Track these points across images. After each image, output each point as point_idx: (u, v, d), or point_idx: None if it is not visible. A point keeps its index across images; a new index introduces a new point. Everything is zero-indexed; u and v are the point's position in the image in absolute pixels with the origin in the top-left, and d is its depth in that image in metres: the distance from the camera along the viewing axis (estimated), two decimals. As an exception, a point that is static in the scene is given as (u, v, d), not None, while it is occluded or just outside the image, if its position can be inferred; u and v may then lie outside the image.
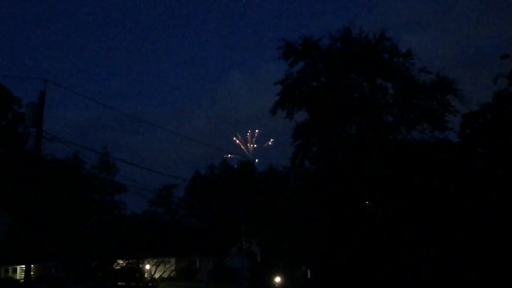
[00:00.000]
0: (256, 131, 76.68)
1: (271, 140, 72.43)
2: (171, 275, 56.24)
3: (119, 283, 51.18)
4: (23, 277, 37.89)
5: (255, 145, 70.75)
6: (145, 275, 55.66)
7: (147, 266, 56.22)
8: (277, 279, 52.58)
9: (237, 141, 72.77)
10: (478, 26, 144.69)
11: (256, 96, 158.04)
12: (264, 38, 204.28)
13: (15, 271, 54.74)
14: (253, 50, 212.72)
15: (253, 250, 62.08)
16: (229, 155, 70.56)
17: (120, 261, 52.80)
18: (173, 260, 61.47)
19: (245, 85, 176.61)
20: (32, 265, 32.14)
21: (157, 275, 53.64)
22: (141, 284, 51.42)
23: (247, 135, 75.99)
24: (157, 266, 54.31)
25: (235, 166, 79.45)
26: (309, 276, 49.29)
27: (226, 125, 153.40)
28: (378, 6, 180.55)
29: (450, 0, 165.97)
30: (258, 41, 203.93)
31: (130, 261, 52.39)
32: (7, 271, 54.68)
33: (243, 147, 69.54)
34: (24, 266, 32.29)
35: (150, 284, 52.18)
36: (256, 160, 74.92)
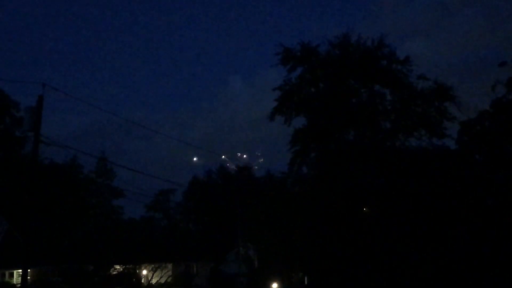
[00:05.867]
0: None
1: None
2: (168, 280, 56.11)
3: (115, 288, 51.07)
4: (19, 282, 37.74)
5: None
6: (142, 280, 55.52)
7: (144, 271, 56.10)
8: (274, 285, 52.49)
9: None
10: (479, 34, 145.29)
11: (256, 102, 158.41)
12: (264, 43, 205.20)
13: (12, 275, 54.54)
14: (253, 55, 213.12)
15: (250, 256, 61.95)
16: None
17: (117, 266, 52.68)
18: (170, 266, 61.28)
19: (245, 91, 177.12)
20: (29, 270, 32.09)
21: (154, 281, 53.54)
22: (137, 289, 51.36)
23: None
24: (154, 271, 54.19)
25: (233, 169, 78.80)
26: (306, 282, 49.25)
27: (225, 130, 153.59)
28: (379, 14, 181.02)
29: (451, 8, 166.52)
30: (258, 46, 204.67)
31: (127, 266, 52.27)
32: (3, 275, 54.48)
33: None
34: (20, 270, 32.17)
35: (146, 289, 52.13)
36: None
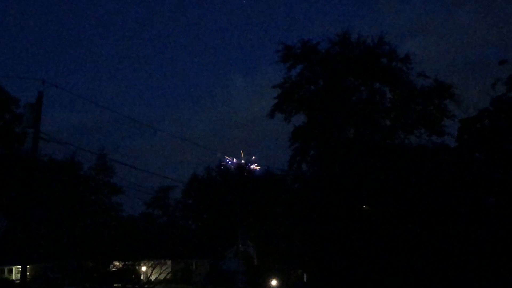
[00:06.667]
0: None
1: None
2: (167, 277, 56.15)
3: (115, 285, 51.09)
4: (19, 278, 37.79)
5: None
6: (141, 277, 55.57)
7: (143, 268, 56.14)
8: (273, 282, 52.56)
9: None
10: (479, 31, 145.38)
11: (256, 99, 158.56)
12: (264, 41, 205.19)
13: (11, 271, 54.69)
14: (254, 53, 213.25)
15: (249, 253, 61.98)
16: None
17: (116, 263, 52.72)
18: (169, 262, 61.37)
19: (245, 88, 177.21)
20: (28, 266, 32.11)
21: (153, 277, 53.53)
22: (137, 286, 51.35)
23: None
24: (153, 268, 54.18)
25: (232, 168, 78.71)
26: (305, 280, 49.28)
27: (225, 127, 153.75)
28: (380, 12, 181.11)
29: (451, 6, 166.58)
30: (258, 44, 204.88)
31: (126, 262, 52.31)
32: (3, 271, 54.62)
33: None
34: (20, 266, 32.19)
35: (146, 286, 52.10)
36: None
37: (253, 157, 62.03)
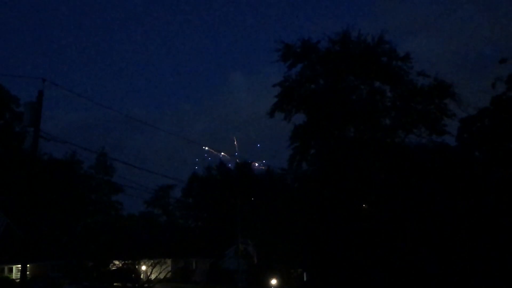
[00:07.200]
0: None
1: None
2: (167, 276, 56.03)
3: (114, 284, 51.03)
4: (19, 277, 37.76)
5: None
6: (141, 276, 55.50)
7: (143, 267, 56.06)
8: (273, 281, 52.54)
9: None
10: (480, 30, 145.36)
11: (256, 98, 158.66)
12: (264, 40, 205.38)
13: (11, 270, 54.58)
14: (254, 52, 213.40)
15: (249, 252, 61.97)
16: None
17: (116, 262, 52.65)
18: (169, 261, 61.22)
19: (245, 87, 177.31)
20: (28, 265, 32.04)
21: (153, 276, 53.46)
22: (137, 285, 51.27)
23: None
24: (153, 267, 54.10)
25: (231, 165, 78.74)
26: (305, 279, 49.29)
27: (226, 126, 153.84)
28: (380, 11, 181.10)
29: (451, 5, 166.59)
30: (258, 43, 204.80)
31: (126, 261, 52.23)
32: (3, 270, 54.52)
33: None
34: (20, 265, 32.14)
35: (146, 285, 52.00)
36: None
37: (255, 160, 62.14)
